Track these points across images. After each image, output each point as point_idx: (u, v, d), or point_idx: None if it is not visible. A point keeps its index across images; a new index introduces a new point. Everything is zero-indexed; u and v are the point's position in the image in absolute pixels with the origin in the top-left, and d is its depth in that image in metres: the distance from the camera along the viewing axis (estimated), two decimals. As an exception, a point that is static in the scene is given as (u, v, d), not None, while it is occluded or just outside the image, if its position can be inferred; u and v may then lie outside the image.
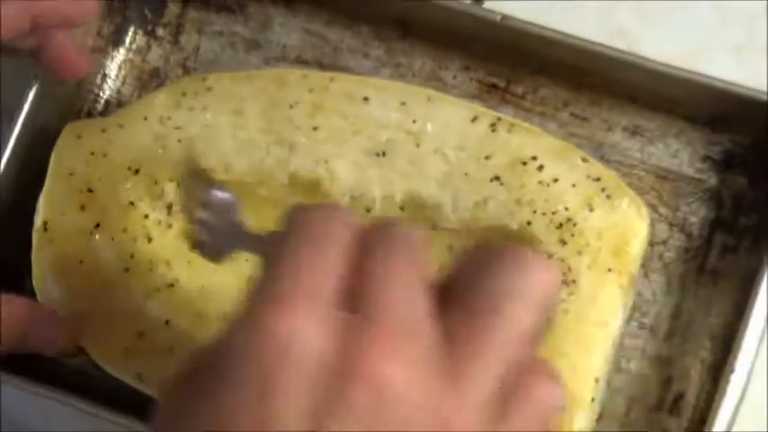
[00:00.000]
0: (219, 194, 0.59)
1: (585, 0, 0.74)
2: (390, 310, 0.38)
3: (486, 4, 0.70)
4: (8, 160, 0.68)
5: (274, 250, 0.41)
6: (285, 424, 0.35)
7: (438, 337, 0.39)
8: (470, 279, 0.41)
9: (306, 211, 0.43)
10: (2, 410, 0.72)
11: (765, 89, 0.65)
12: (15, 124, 0.68)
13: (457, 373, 0.38)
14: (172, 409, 0.40)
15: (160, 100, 0.67)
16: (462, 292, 0.41)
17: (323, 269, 0.40)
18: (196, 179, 0.62)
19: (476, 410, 0.38)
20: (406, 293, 0.40)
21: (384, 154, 0.64)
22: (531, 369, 0.40)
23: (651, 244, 0.67)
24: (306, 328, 0.37)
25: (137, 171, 0.66)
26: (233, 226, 0.57)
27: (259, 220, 0.66)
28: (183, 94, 0.67)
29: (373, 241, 0.42)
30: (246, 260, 0.67)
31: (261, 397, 0.36)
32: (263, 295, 0.39)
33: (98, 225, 0.66)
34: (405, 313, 0.39)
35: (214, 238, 0.58)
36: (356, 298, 0.39)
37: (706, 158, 0.69)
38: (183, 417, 0.39)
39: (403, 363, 0.36)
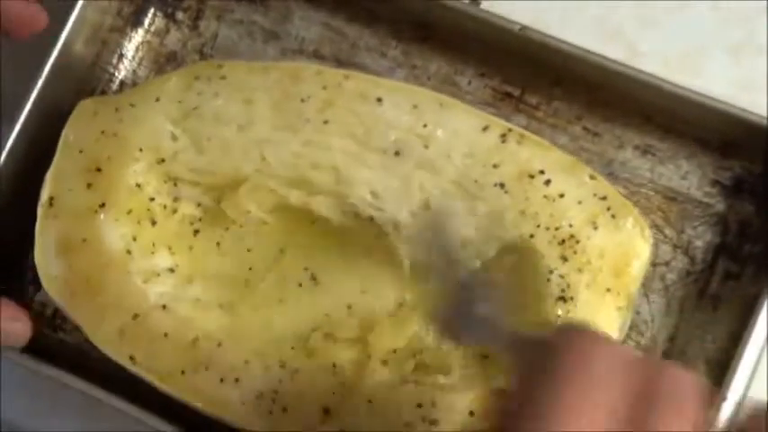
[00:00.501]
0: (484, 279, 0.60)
1: (585, 0, 0.73)
2: None
3: (484, 5, 0.69)
4: (18, 134, 0.68)
5: (537, 372, 0.42)
6: None
7: None
8: None
9: (574, 345, 0.43)
10: (2, 410, 0.72)
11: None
12: (28, 99, 0.69)
13: None
14: None
15: (173, 82, 0.67)
16: None
17: (593, 414, 0.41)
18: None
19: None
20: None
21: (397, 153, 0.64)
22: None
23: (653, 265, 0.67)
24: None
25: (146, 154, 0.66)
26: (473, 312, 0.56)
27: (260, 206, 0.66)
28: (197, 78, 0.67)
29: (652, 388, 0.42)
30: (249, 251, 0.68)
31: None
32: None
33: (103, 204, 0.66)
34: None
35: (452, 318, 0.57)
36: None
37: (715, 183, 0.69)
38: None
39: None
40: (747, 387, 0.62)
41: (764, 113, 0.65)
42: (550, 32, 0.67)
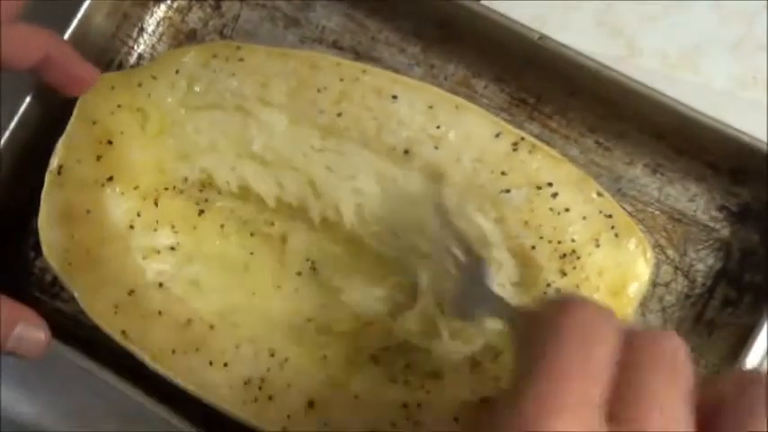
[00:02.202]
0: (470, 258, 0.60)
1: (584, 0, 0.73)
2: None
3: (485, 2, 0.69)
4: (31, 101, 0.69)
5: (536, 339, 0.43)
6: None
7: None
8: (735, 414, 0.43)
9: (573, 306, 0.44)
10: (1, 410, 0.73)
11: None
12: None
13: None
14: None
15: (190, 57, 0.67)
16: (729, 415, 0.43)
17: (593, 374, 0.41)
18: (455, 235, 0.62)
19: None
20: (674, 416, 0.41)
21: (406, 152, 0.64)
22: None
23: (653, 285, 0.67)
24: None
25: (158, 130, 0.67)
26: (482, 288, 0.58)
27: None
28: (214, 56, 0.67)
29: (641, 355, 0.43)
30: (252, 234, 0.68)
31: None
32: (530, 391, 0.40)
33: (111, 178, 0.66)
34: None
35: (462, 298, 0.59)
36: (620, 408, 0.40)
37: (722, 208, 0.69)
38: None
39: None
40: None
41: (764, 113, 0.65)
42: (550, 30, 0.67)
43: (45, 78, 0.66)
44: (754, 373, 0.45)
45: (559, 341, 0.42)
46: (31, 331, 0.63)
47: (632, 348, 0.43)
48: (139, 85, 0.67)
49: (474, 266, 0.59)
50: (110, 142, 0.66)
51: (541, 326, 0.43)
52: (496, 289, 0.59)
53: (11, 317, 0.63)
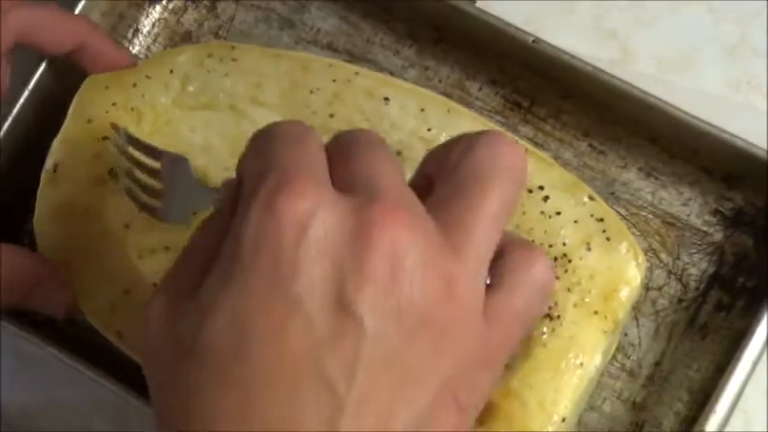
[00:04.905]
0: (165, 156, 0.60)
1: (579, 1, 0.73)
2: (385, 189, 0.41)
3: (479, 4, 0.69)
4: (27, 98, 0.69)
5: (249, 159, 0.43)
6: (313, 301, 0.38)
7: (427, 211, 0.42)
8: (443, 167, 0.45)
9: (274, 125, 0.45)
10: (1, 410, 0.73)
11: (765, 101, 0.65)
12: (40, 64, 0.70)
13: (452, 241, 0.41)
14: (172, 320, 0.41)
15: (185, 57, 0.67)
16: (438, 178, 0.44)
17: (311, 156, 0.42)
18: (134, 143, 0.62)
19: (474, 274, 0.42)
20: (393, 175, 0.42)
21: (398, 154, 0.64)
22: (522, 246, 0.45)
23: (646, 288, 0.67)
24: (318, 210, 0.39)
25: (152, 128, 0.67)
26: (188, 185, 0.59)
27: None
28: (209, 56, 0.67)
29: (342, 139, 0.45)
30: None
31: (287, 279, 0.38)
32: (263, 178, 0.40)
33: (106, 177, 0.66)
34: (398, 191, 0.41)
35: (168, 202, 0.60)
36: (345, 184, 0.41)
37: (716, 212, 0.69)
38: (191, 317, 0.40)
39: (408, 231, 0.39)
40: (726, 420, 0.62)
41: (761, 117, 0.65)
42: (545, 33, 0.67)
43: (80, 63, 0.67)
44: (454, 140, 0.46)
45: (271, 147, 0.43)
46: (54, 289, 0.64)
47: (333, 143, 0.45)
48: (134, 84, 0.67)
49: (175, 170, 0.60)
50: (103, 138, 0.66)
51: (251, 154, 0.44)
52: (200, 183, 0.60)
53: (35, 275, 0.63)
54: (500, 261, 0.44)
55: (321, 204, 0.39)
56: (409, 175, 0.62)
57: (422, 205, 0.42)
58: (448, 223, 0.42)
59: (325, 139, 0.63)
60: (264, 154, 0.42)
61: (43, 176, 0.66)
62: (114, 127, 0.63)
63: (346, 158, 0.43)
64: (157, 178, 0.61)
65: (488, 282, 0.44)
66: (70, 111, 0.67)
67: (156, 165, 0.61)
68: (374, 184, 0.41)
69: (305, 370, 0.38)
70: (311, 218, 0.39)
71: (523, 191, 0.44)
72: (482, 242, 0.42)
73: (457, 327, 0.41)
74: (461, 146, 0.45)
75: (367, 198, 0.40)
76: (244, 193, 0.42)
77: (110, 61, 0.67)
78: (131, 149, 0.62)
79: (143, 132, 0.67)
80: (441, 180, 0.45)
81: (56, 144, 0.67)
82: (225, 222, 0.42)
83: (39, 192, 0.66)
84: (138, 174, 0.62)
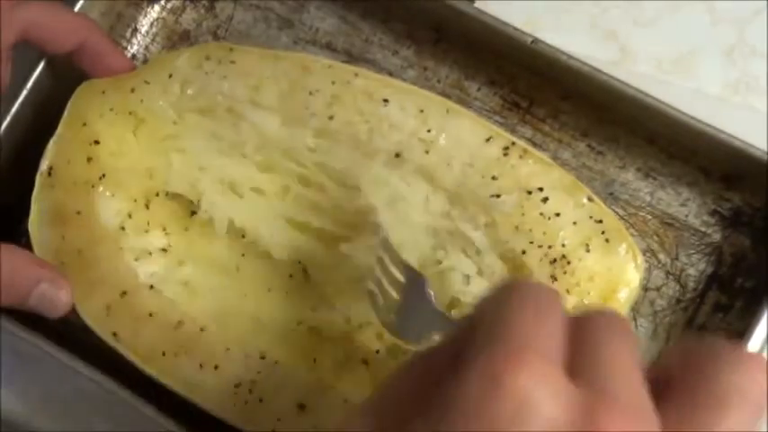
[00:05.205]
0: (410, 274, 0.60)
1: (578, 1, 0.73)
2: (621, 388, 0.38)
3: (478, 4, 0.69)
4: (24, 100, 0.69)
5: (489, 310, 0.41)
6: None
7: (658, 420, 0.39)
8: (687, 375, 0.41)
9: (521, 283, 0.43)
10: (1, 410, 0.72)
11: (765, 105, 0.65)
12: (36, 68, 0.69)
13: None
14: None
15: (183, 60, 0.67)
16: (680, 387, 0.41)
17: (549, 331, 0.40)
18: (392, 257, 0.61)
19: None
20: (632, 375, 0.40)
21: (397, 155, 0.64)
22: None
23: (645, 289, 0.67)
24: (540, 392, 0.37)
25: (149, 131, 0.67)
26: (428, 306, 0.58)
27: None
28: (207, 58, 0.67)
29: (592, 320, 0.42)
30: (244, 236, 0.68)
31: None
32: (495, 341, 0.39)
33: (101, 180, 0.66)
34: (634, 394, 0.39)
35: (412, 321, 0.59)
36: (580, 369, 0.39)
37: (714, 213, 0.69)
38: None
39: None
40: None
41: (760, 117, 0.65)
42: (544, 33, 0.67)
43: (79, 64, 0.67)
44: (702, 345, 0.44)
45: (513, 309, 0.41)
46: (53, 290, 0.63)
47: (579, 321, 0.42)
48: (132, 90, 0.67)
49: (415, 286, 0.59)
50: (97, 142, 0.66)
51: (492, 306, 0.42)
52: (436, 305, 0.58)
53: (34, 275, 0.63)
54: None
55: (548, 388, 0.37)
56: (408, 175, 0.63)
57: (656, 416, 0.39)
58: None
59: (325, 141, 0.65)
60: (507, 312, 0.41)
61: (38, 179, 0.66)
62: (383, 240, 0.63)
63: (589, 342, 0.41)
64: (398, 290, 0.60)
65: None
66: (65, 114, 0.67)
67: (400, 278, 0.60)
68: (612, 381, 0.39)
69: None
70: (534, 397, 0.37)
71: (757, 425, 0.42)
72: None
73: None
74: (718, 360, 0.42)
75: (598, 394, 0.38)
76: (474, 342, 0.40)
77: (108, 64, 0.67)
78: (385, 256, 0.61)
79: (140, 136, 0.67)
80: (684, 386, 0.42)
81: (50, 147, 0.67)
82: (447, 359, 0.41)
83: (34, 194, 0.66)
84: (385, 283, 0.61)
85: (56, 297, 0.64)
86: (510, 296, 0.42)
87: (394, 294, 0.60)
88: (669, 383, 0.41)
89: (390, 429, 0.40)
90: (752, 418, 0.41)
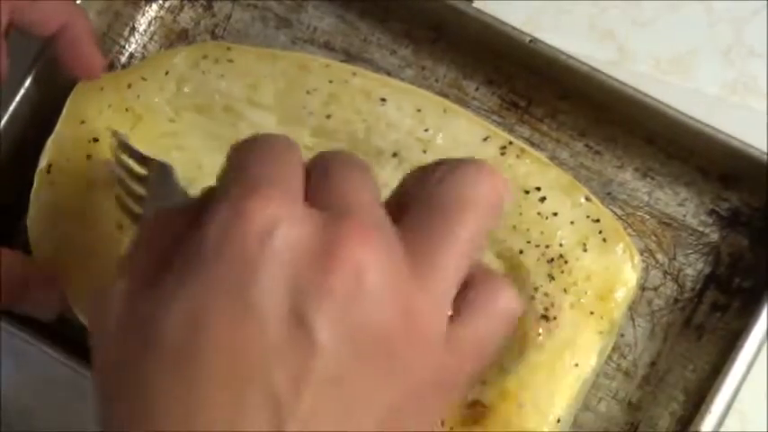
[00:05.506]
0: (152, 163, 0.59)
1: (576, 1, 0.73)
2: (357, 207, 0.40)
3: (477, 4, 0.69)
4: (22, 98, 0.69)
5: (236, 157, 0.42)
6: (269, 308, 0.37)
7: (397, 236, 0.41)
8: (420, 190, 0.43)
9: (258, 136, 0.44)
10: (1, 411, 0.72)
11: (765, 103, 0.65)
12: (35, 65, 0.69)
13: (418, 267, 0.40)
14: (132, 306, 0.40)
15: (180, 58, 0.67)
16: (414, 200, 0.43)
17: (290, 171, 0.41)
18: (126, 150, 0.61)
19: (438, 302, 0.41)
20: (367, 195, 0.42)
21: (395, 155, 0.64)
22: (488, 276, 0.43)
23: (642, 289, 0.67)
24: (285, 219, 0.38)
25: (145, 129, 0.67)
26: (173, 194, 0.57)
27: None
28: (204, 57, 0.67)
29: (328, 159, 0.43)
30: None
31: (245, 283, 0.37)
32: (235, 184, 0.40)
33: (100, 177, 0.66)
34: (370, 210, 0.41)
35: (148, 210, 0.58)
36: (318, 199, 0.40)
37: (712, 213, 0.69)
38: (151, 307, 0.39)
39: (375, 251, 0.38)
40: (722, 421, 0.62)
41: (758, 117, 0.65)
42: (542, 33, 0.67)
43: (56, 52, 0.67)
44: (433, 164, 0.45)
45: (253, 157, 0.42)
46: (44, 291, 0.64)
47: (317, 162, 0.43)
48: (129, 86, 0.67)
49: (158, 176, 0.59)
50: (96, 139, 0.66)
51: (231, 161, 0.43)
52: None
53: (23, 276, 0.63)
54: (465, 291, 0.43)
55: (290, 214, 0.39)
56: (405, 166, 0.63)
57: (393, 227, 0.41)
58: (417, 249, 0.41)
59: (323, 139, 0.65)
60: (241, 163, 0.42)
61: (37, 177, 0.66)
62: (114, 134, 0.63)
63: (323, 175, 0.42)
64: (144, 186, 0.60)
65: (451, 312, 0.43)
66: (63, 111, 0.67)
67: (142, 172, 0.60)
68: (346, 202, 0.41)
69: (254, 376, 0.37)
70: (278, 225, 0.38)
71: (496, 223, 0.43)
72: (449, 272, 0.41)
73: (413, 355, 0.40)
74: (441, 170, 0.44)
75: (337, 214, 0.40)
76: (215, 195, 0.41)
77: (78, 55, 0.67)
78: (123, 156, 0.61)
79: (137, 134, 0.67)
80: (416, 202, 0.43)
81: (49, 144, 0.67)
82: (193, 217, 0.41)
83: (32, 192, 0.66)
84: (128, 181, 0.61)
85: (46, 297, 0.64)
86: (243, 151, 0.43)
87: (139, 190, 0.59)
88: (406, 205, 0.43)
89: (147, 284, 0.40)
90: (489, 220, 0.43)
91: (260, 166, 0.41)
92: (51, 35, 0.66)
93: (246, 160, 0.42)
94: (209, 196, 0.41)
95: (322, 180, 0.42)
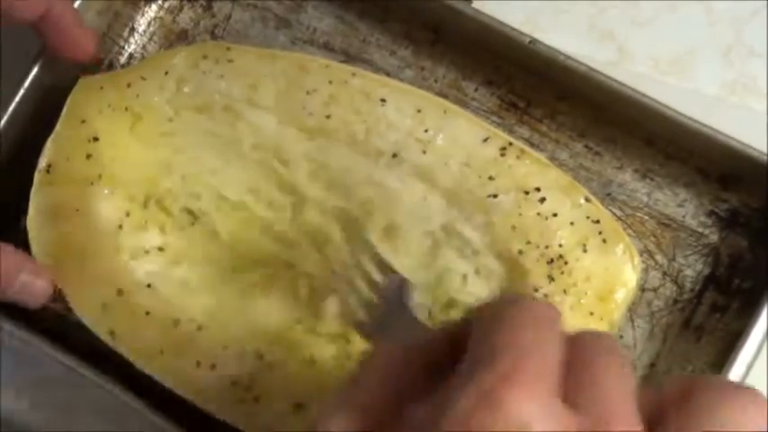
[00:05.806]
0: (394, 276, 0.58)
1: (576, 1, 0.73)
2: (615, 416, 0.38)
3: (476, 4, 0.69)
4: (22, 97, 0.69)
5: (489, 320, 0.41)
6: None
7: None
8: (683, 406, 0.41)
9: (523, 299, 0.42)
10: (1, 410, 0.72)
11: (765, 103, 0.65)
12: (35, 65, 0.69)
13: None
14: None
15: (180, 58, 0.67)
16: (674, 418, 0.41)
17: (547, 352, 0.39)
18: (373, 257, 0.61)
19: None
20: (626, 403, 0.39)
21: (395, 156, 0.64)
22: None
23: (642, 290, 0.67)
24: (534, 414, 0.37)
25: (146, 129, 0.67)
26: (402, 311, 0.56)
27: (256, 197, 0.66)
28: (204, 57, 0.67)
29: (588, 343, 0.41)
30: (241, 236, 0.68)
31: None
32: (492, 364, 0.38)
33: (100, 177, 0.66)
34: (628, 422, 0.39)
35: (377, 319, 0.57)
36: (575, 393, 0.39)
37: (711, 214, 0.69)
38: None
39: None
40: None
41: (757, 118, 0.65)
42: (541, 34, 0.67)
43: (44, 38, 0.66)
44: (700, 379, 0.43)
45: (513, 325, 0.40)
46: (34, 279, 0.64)
47: (575, 342, 0.41)
48: (128, 85, 0.67)
49: (398, 291, 0.58)
50: (96, 139, 0.66)
51: (486, 322, 0.41)
52: (415, 313, 0.57)
53: (14, 265, 0.63)
54: None
55: (543, 410, 0.37)
56: (405, 175, 0.63)
57: None
58: None
59: (325, 141, 0.65)
60: (504, 327, 0.40)
61: (36, 176, 0.66)
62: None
63: (585, 368, 0.40)
64: (376, 293, 0.59)
65: None
66: (63, 111, 0.67)
67: (380, 279, 0.59)
68: (607, 411, 0.39)
69: None
70: (529, 420, 0.36)
71: None
72: None
73: None
74: (715, 394, 0.41)
75: (592, 420, 0.38)
76: (469, 356, 0.39)
77: (69, 37, 0.67)
78: (364, 258, 0.61)
79: (137, 133, 0.67)
80: (676, 418, 0.41)
81: (49, 144, 0.67)
82: (445, 348, 0.41)
83: (32, 191, 0.66)
84: (359, 282, 0.60)
85: (36, 285, 0.64)
86: (511, 311, 0.41)
87: (367, 294, 0.59)
88: (664, 414, 0.41)
89: (382, 419, 0.40)
90: None
91: (524, 344, 0.39)
92: (36, 20, 0.65)
93: (512, 327, 0.40)
94: (460, 336, 0.40)
95: (583, 374, 0.40)
